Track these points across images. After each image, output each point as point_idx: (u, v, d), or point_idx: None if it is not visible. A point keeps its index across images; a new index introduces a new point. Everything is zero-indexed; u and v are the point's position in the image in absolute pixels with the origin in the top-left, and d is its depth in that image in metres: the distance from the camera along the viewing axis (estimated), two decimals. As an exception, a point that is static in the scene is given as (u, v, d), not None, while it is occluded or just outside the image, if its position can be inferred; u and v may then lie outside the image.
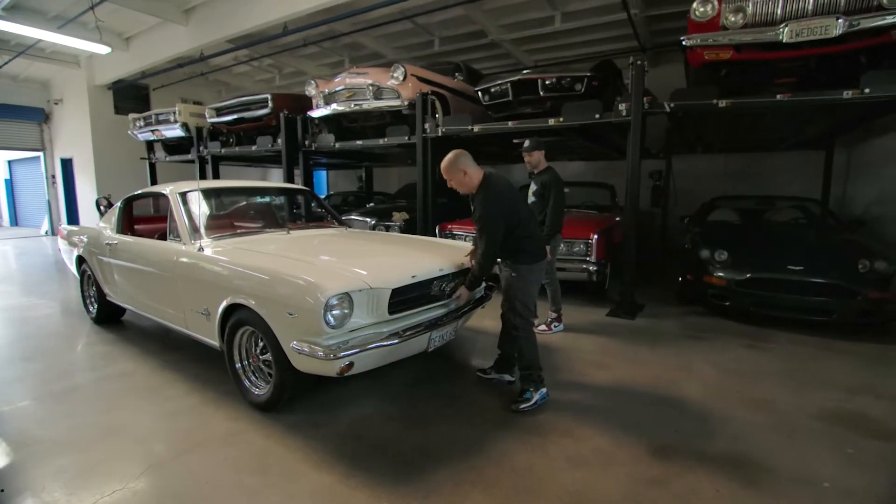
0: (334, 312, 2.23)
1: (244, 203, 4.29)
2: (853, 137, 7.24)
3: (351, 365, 2.25)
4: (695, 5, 4.03)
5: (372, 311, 2.41)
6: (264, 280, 2.45)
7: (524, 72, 5.25)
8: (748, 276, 4.13)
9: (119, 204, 4.09)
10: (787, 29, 3.76)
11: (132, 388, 3.04)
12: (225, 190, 4.11)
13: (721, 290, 4.31)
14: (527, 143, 3.93)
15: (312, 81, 6.59)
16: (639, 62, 4.26)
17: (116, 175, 11.64)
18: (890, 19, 3.45)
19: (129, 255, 3.62)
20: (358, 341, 2.30)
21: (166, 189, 3.48)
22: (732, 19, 4.00)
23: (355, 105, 6.17)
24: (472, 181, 2.62)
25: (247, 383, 2.70)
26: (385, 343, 2.34)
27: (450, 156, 2.64)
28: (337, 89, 6.23)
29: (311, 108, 6.73)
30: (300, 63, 10.24)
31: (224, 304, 2.64)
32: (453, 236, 5.67)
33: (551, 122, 4.83)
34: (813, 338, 3.97)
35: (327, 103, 6.38)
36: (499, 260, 2.77)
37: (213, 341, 2.86)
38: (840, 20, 3.59)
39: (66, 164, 12.96)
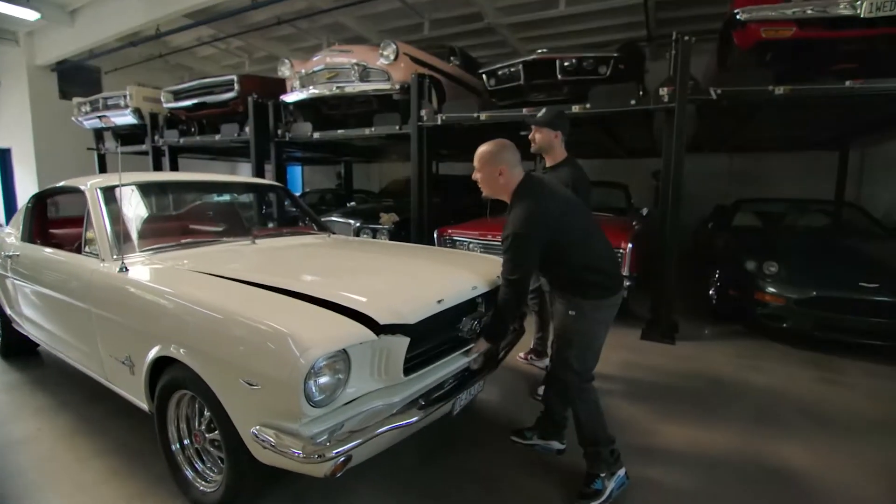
0: (322, 381, 1.40)
1: (194, 204, 3.38)
2: (870, 138, 6.81)
3: (348, 460, 1.43)
4: (754, -31, 3.36)
5: (379, 370, 1.58)
6: (207, 322, 1.59)
7: (539, 51, 4.49)
8: (813, 294, 3.49)
9: (26, 202, 3.11)
10: (865, 2, 3.13)
11: (29, 464, 2.13)
12: (166, 185, 3.19)
13: (777, 310, 3.66)
14: (543, 112, 2.67)
15: (287, 60, 5.66)
16: (686, 38, 3.56)
17: (61, 168, 10.18)
18: None
19: (31, 273, 2.67)
20: (357, 423, 1.47)
21: (84, 184, 2.55)
22: (797, -10, 3.35)
23: (337, 88, 5.28)
24: (507, 187, 1.89)
25: (189, 474, 1.83)
26: (400, 423, 1.53)
27: (490, 146, 1.91)
28: (315, 69, 5.33)
29: (284, 91, 5.80)
30: (273, 46, 9.21)
31: (151, 354, 1.77)
32: (454, 243, 4.88)
33: (576, 108, 4.09)
34: (889, 368, 3.36)
35: (304, 86, 5.47)
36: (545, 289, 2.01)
37: (141, 403, 1.98)
38: (932, -9, 2.98)
39: (4, 156, 11.48)
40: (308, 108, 5.84)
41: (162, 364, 1.79)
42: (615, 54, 4.23)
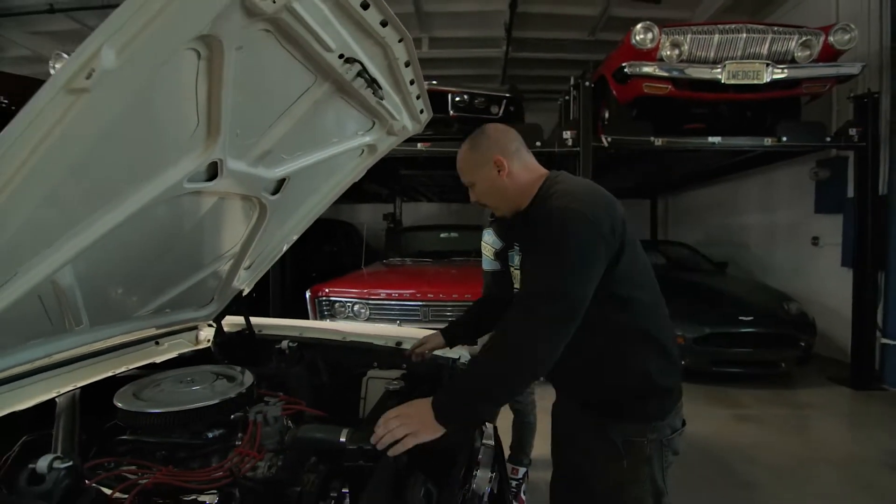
0: None
1: None
2: (673, 191, 8.37)
3: None
4: (637, 28, 3.56)
5: None
6: None
7: (430, 82, 4.02)
8: (707, 331, 3.66)
9: None
10: (726, 69, 3.58)
11: None
12: None
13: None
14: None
15: (65, 56, 3.94)
16: (587, 83, 3.53)
17: None
18: (819, 71, 3.57)
19: None
20: None
21: None
22: (669, 53, 3.67)
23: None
24: (520, 186, 1.13)
25: None
26: None
27: (468, 140, 1.16)
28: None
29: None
30: (40, 44, 6.71)
31: None
32: (332, 305, 3.84)
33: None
34: (769, 391, 3.69)
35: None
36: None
37: None
38: (769, 67, 3.56)
39: None
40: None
41: None
42: (507, 94, 4.05)
